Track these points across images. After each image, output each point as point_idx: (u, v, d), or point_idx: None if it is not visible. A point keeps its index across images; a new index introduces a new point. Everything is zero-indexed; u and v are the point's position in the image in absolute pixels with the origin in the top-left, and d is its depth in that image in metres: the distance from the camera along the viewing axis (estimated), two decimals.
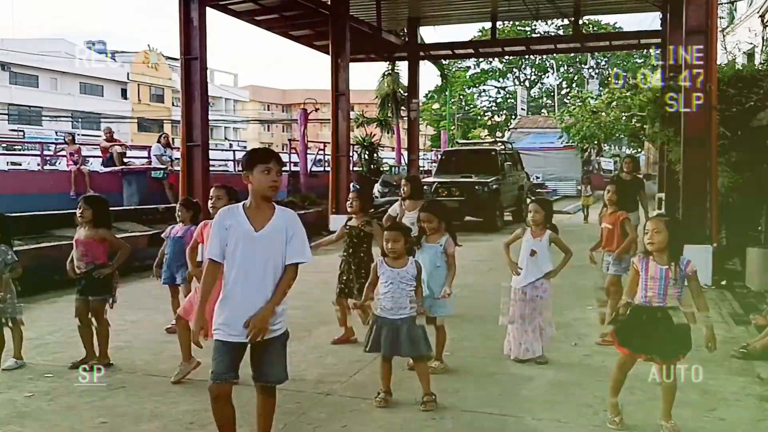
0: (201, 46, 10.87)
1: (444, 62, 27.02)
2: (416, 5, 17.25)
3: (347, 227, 5.67)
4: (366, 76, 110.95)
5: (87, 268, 4.98)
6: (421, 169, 21.89)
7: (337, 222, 13.01)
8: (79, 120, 46.48)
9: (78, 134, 20.63)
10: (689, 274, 3.62)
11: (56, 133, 35.44)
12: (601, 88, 38.35)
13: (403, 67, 22.47)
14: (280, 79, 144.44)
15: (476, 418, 3.99)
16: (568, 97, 44.34)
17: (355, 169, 19.28)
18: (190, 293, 4.82)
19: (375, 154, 20.81)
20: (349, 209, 5.70)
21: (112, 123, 31.68)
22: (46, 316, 6.70)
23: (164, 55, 55.37)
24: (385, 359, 4.24)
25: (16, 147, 25.57)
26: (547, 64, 51.75)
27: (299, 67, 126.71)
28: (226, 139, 45.18)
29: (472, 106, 52.22)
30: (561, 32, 34.00)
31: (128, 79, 52.97)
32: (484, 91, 53.61)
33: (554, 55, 42.82)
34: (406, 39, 18.85)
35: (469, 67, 49.74)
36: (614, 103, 27.03)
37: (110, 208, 5.31)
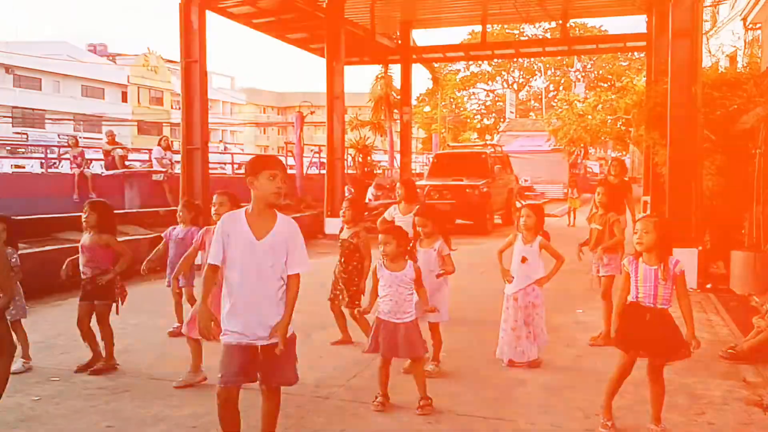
0: (201, 50, 10.95)
1: (435, 65, 27.15)
2: (409, 9, 17.39)
3: (339, 240, 5.79)
4: (360, 80, 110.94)
5: (92, 273, 5.07)
6: (413, 171, 22.02)
7: (331, 225, 13.13)
8: (81, 123, 46.25)
9: (80, 137, 20.53)
10: (677, 274, 3.72)
11: (58, 135, 35.24)
12: (587, 91, 38.69)
13: (395, 70, 22.58)
14: (276, 82, 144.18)
15: (471, 422, 4.11)
16: (555, 100, 44.67)
17: (349, 172, 19.38)
18: (194, 306, 4.89)
19: (369, 157, 20.92)
20: (342, 218, 5.82)
21: (113, 126, 31.52)
22: (51, 319, 6.78)
23: (163, 58, 55.24)
24: (384, 361, 4.34)
25: (20, 150, 25.44)
26: (535, 68, 52.06)
27: (295, 70, 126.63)
28: (221, 141, 45.09)
29: (462, 109, 52.44)
30: (548, 35, 34.29)
31: (128, 82, 52.79)
32: (474, 94, 53.84)
33: (542, 57, 43.12)
34: (399, 42, 19.01)
35: (459, 70, 49.93)
36: (600, 107, 27.35)
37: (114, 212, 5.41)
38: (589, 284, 8.15)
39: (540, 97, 52.56)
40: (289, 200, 15.96)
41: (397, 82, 22.89)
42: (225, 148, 35.39)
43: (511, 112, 45.45)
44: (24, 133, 37.97)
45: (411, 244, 4.81)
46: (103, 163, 16.33)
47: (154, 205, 13.80)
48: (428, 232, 5.03)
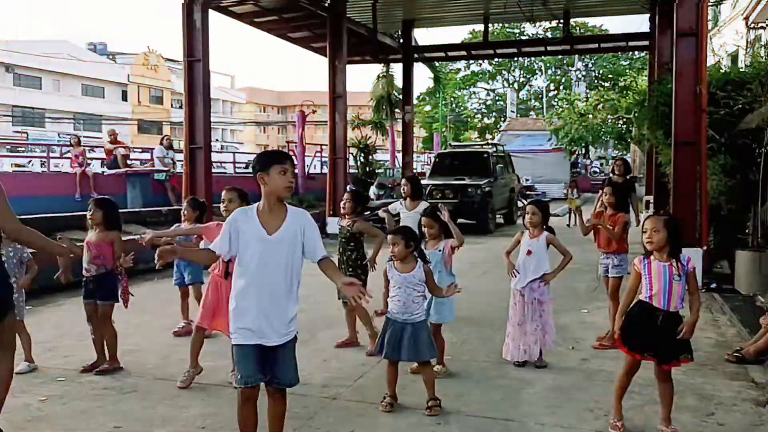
0: (204, 49, 10.94)
1: (436, 64, 27.14)
2: (411, 7, 17.38)
3: (339, 226, 5.80)
4: (361, 79, 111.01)
5: (97, 271, 5.05)
6: (414, 171, 22.02)
7: (333, 225, 13.09)
8: (81, 122, 46.29)
9: (81, 136, 20.61)
10: (690, 271, 3.71)
11: (59, 134, 35.25)
12: (588, 91, 38.70)
13: (397, 69, 22.60)
14: (276, 81, 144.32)
15: (481, 423, 4.09)
16: (556, 99, 44.69)
17: (351, 171, 19.40)
18: (203, 301, 4.89)
19: (370, 157, 20.92)
20: (341, 210, 5.82)
21: (113, 125, 31.57)
22: (54, 319, 6.77)
23: (163, 57, 55.25)
24: (391, 362, 4.33)
25: (19, 149, 25.44)
26: (536, 67, 52.07)
27: (295, 69, 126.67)
28: (216, 140, 45.09)
29: (462, 108, 52.44)
30: (549, 34, 34.26)
31: (128, 81, 52.81)
32: (474, 93, 53.85)
33: (543, 57, 43.13)
34: (401, 41, 19.00)
35: (459, 70, 49.94)
36: (600, 106, 27.32)
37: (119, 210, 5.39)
38: (591, 284, 8.25)
39: (540, 96, 52.56)
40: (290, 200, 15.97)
41: (398, 81, 22.89)
42: (222, 147, 35.44)
43: (512, 112, 45.46)
44: (24, 132, 38.03)
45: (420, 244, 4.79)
46: (102, 162, 16.32)
47: (156, 204, 13.80)
48: (434, 234, 5.01)
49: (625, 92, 23.80)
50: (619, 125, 27.04)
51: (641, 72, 28.49)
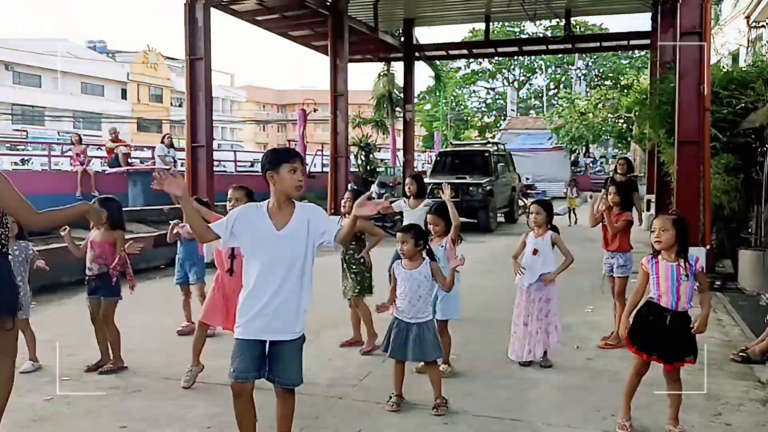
0: (206, 47, 10.92)
1: (437, 63, 27.10)
2: (412, 6, 17.36)
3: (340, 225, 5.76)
4: (361, 77, 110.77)
5: (100, 270, 5.03)
6: (415, 169, 22.01)
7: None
8: (81, 120, 46.24)
9: (80, 134, 20.62)
10: (698, 271, 3.70)
11: (58, 133, 35.20)
12: (588, 90, 38.66)
13: (398, 67, 22.57)
14: (275, 80, 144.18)
15: (488, 422, 4.07)
16: (556, 98, 44.65)
17: (352, 170, 19.39)
18: (208, 298, 4.87)
19: (371, 155, 20.91)
20: (342, 209, 5.81)
21: (113, 123, 31.54)
22: (57, 318, 6.75)
23: (163, 55, 55.16)
24: (397, 361, 4.32)
25: (19, 147, 25.40)
26: (536, 65, 52.02)
27: (295, 68, 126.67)
28: (213, 139, 45.05)
29: (462, 107, 52.40)
30: (550, 33, 34.23)
31: (128, 79, 52.74)
32: (474, 92, 53.80)
33: (544, 56, 43.06)
34: (402, 39, 18.97)
35: (459, 68, 49.89)
36: (600, 105, 27.30)
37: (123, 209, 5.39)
38: (599, 285, 8.22)
39: (541, 95, 52.53)
40: None
41: (399, 80, 22.87)
42: (218, 146, 35.39)
43: (512, 110, 45.43)
44: (24, 130, 37.99)
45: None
46: (102, 160, 16.29)
47: (157, 203, 13.76)
48: (439, 231, 5.01)
49: (626, 91, 23.79)
50: (620, 124, 27.04)
51: (642, 71, 28.48)
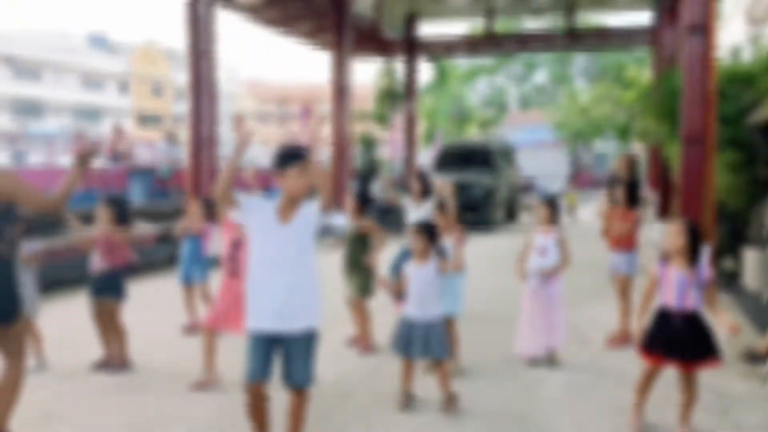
0: (209, 42, 10.88)
1: (439, 59, 27.04)
2: (414, 1, 17.30)
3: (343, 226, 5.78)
4: (364, 73, 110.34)
5: (107, 269, 5.02)
6: (420, 166, 21.99)
7: (336, 219, 13.09)
8: (81, 114, 46.14)
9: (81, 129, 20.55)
10: (707, 277, 3.69)
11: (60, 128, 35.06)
12: (589, 86, 38.59)
13: (400, 63, 22.48)
14: (276, 74, 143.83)
15: (496, 420, 4.08)
16: (557, 94, 44.54)
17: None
18: (216, 300, 4.84)
19: (373, 151, 20.89)
20: (348, 210, 5.80)
21: (113, 117, 31.45)
22: (61, 316, 6.73)
23: (164, 48, 54.99)
24: (405, 359, 4.32)
25: (19, 142, 25.32)
26: (537, 61, 51.82)
27: (296, 62, 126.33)
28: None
29: (463, 103, 52.22)
30: (550, 29, 34.06)
31: (129, 73, 52.61)
32: (475, 87, 53.59)
33: (546, 51, 42.85)
34: (404, 35, 18.93)
35: (460, 64, 49.70)
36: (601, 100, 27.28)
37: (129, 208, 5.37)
38: (598, 281, 8.23)
39: (541, 90, 52.37)
40: None
41: (401, 75, 22.80)
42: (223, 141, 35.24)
43: (513, 106, 45.36)
44: (24, 125, 37.89)
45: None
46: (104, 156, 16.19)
47: (159, 200, 13.76)
48: (446, 227, 5.00)
49: (628, 86, 23.76)
50: (621, 120, 27.04)
51: (644, 64, 28.35)
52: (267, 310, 3.19)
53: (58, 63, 46.91)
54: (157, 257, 9.68)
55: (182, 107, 50.04)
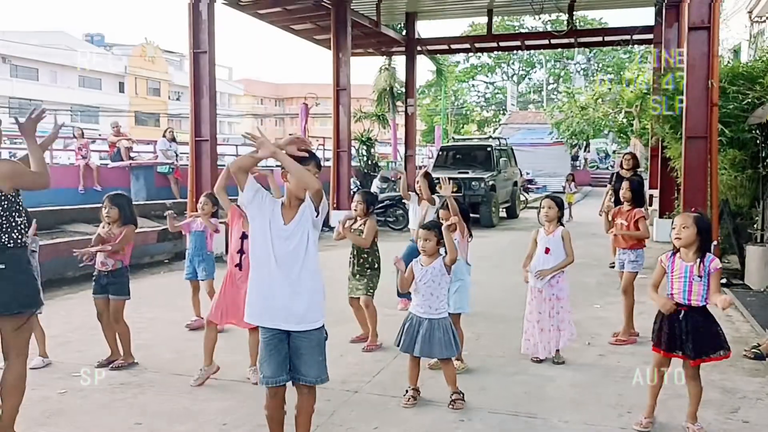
0: (210, 41, 10.84)
1: (438, 57, 26.98)
2: (414, 0, 17.27)
3: (351, 229, 5.74)
4: (363, 71, 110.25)
5: (113, 266, 4.99)
6: (422, 165, 21.98)
7: (336, 218, 13.07)
8: (78, 113, 46.01)
9: (80, 128, 20.46)
10: (712, 272, 3.68)
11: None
12: (587, 84, 38.54)
13: (399, 61, 22.47)
14: (274, 73, 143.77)
15: (504, 419, 4.06)
16: (556, 92, 44.56)
17: (353, 164, 19.35)
18: (215, 297, 4.83)
19: (373, 149, 20.85)
20: (354, 212, 5.78)
21: (110, 117, 31.38)
22: (63, 313, 6.70)
23: (161, 48, 54.92)
24: (412, 357, 4.30)
25: (17, 140, 25.24)
26: (535, 60, 51.86)
27: (293, 61, 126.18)
28: None
29: (462, 101, 52.26)
30: (550, 27, 34.12)
31: (126, 72, 52.50)
32: (474, 86, 53.64)
33: (545, 50, 42.88)
34: (404, 33, 18.89)
35: (459, 62, 49.72)
36: (600, 100, 27.19)
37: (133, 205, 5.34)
38: (602, 279, 8.24)
39: (540, 89, 52.43)
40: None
41: (400, 74, 22.77)
42: (225, 140, 35.24)
43: (512, 105, 45.36)
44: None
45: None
46: (102, 154, 16.18)
47: (159, 197, 13.75)
48: (451, 226, 4.99)
49: (628, 85, 23.68)
50: (621, 119, 26.97)
51: (644, 61, 28.32)
52: (274, 309, 3.17)
53: (56, 62, 46.79)
54: (160, 253, 9.64)
55: (179, 107, 50.07)
